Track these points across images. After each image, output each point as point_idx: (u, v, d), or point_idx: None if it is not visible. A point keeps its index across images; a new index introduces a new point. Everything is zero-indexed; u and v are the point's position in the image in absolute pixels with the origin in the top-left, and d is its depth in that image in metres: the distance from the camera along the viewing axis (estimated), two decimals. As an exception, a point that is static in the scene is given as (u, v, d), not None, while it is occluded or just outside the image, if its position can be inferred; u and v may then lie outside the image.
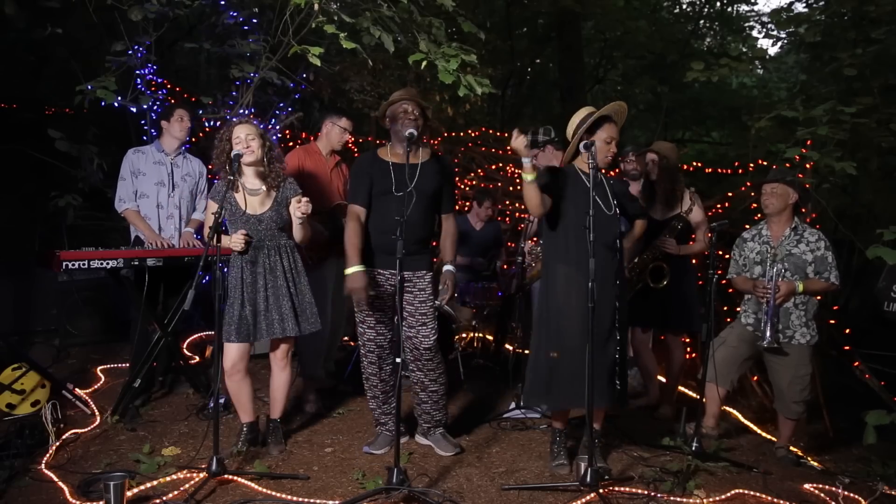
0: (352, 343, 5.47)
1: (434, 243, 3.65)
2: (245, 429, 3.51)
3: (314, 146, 4.36)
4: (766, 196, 3.72)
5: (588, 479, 3.00)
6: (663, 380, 4.61)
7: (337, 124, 4.29)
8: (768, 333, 3.58)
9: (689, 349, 4.88)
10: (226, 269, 3.38)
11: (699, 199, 4.28)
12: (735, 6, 11.68)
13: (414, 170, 3.31)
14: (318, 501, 2.95)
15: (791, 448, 3.81)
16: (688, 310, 4.26)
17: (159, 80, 5.45)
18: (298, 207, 3.30)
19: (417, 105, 3.38)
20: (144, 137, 5.21)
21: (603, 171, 3.33)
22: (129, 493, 2.81)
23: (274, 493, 3.00)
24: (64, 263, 3.53)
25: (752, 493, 3.19)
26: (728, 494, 3.15)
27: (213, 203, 3.37)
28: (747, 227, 3.99)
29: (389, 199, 3.33)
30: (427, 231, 3.46)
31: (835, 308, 5.28)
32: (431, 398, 3.53)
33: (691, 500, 3.08)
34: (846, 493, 3.22)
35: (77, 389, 4.10)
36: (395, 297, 3.45)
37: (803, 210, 4.11)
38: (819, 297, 3.73)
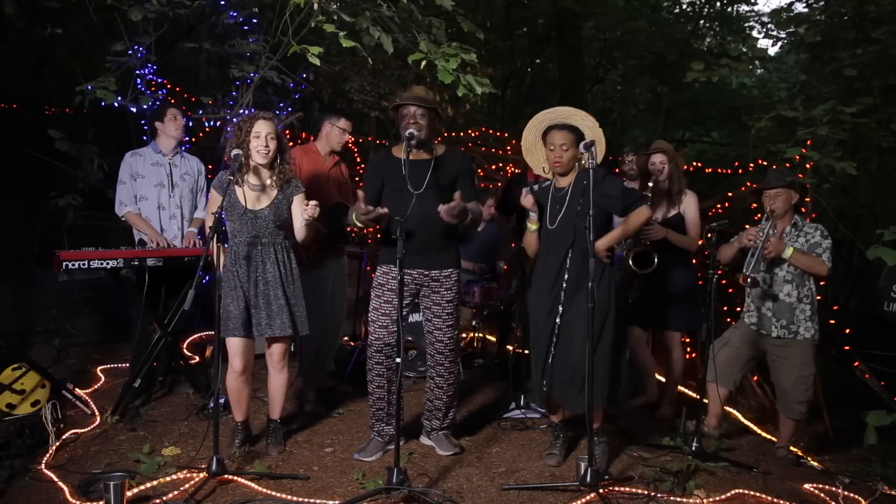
0: (352, 343, 5.47)
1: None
2: (240, 426, 3.52)
3: (312, 146, 4.36)
4: (771, 200, 3.72)
5: (588, 479, 3.01)
6: (662, 379, 4.61)
7: (336, 125, 4.29)
8: (751, 268, 3.65)
9: (689, 349, 4.87)
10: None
11: (696, 201, 4.26)
12: (735, 6, 11.66)
13: (415, 168, 3.30)
14: (318, 501, 2.95)
15: (791, 448, 3.81)
16: (687, 309, 4.25)
17: (159, 80, 5.45)
18: (306, 210, 3.27)
19: (423, 105, 3.34)
20: (144, 137, 5.21)
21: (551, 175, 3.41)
22: (129, 493, 2.82)
23: (274, 493, 3.00)
24: (64, 263, 3.53)
25: (752, 493, 3.19)
26: (728, 494, 3.16)
27: (216, 193, 3.33)
28: (747, 227, 3.98)
29: (404, 197, 3.28)
30: (449, 225, 3.31)
31: (835, 308, 5.28)
32: (443, 400, 3.52)
33: (691, 500, 3.08)
34: (846, 493, 3.23)
35: (77, 389, 4.10)
36: (416, 294, 3.45)
37: (803, 210, 4.10)
38: (819, 297, 3.73)
